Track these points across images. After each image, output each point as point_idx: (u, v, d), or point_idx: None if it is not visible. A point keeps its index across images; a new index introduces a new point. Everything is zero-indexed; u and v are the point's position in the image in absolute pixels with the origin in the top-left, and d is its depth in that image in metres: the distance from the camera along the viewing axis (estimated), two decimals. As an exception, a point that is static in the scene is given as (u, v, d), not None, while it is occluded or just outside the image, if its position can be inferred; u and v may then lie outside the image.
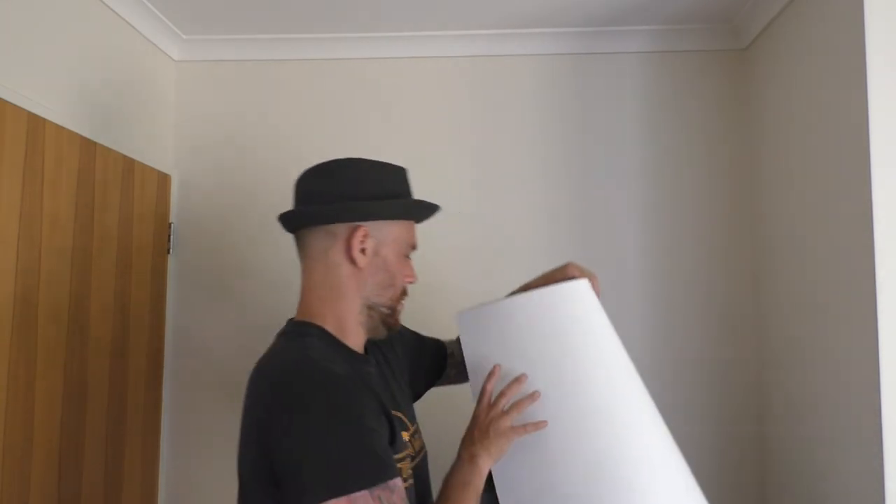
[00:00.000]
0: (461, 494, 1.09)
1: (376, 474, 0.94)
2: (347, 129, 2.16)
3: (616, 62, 2.12)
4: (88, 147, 1.72)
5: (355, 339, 1.15)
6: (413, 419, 1.24)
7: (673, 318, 2.05)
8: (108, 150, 1.80)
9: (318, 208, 1.14)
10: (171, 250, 2.11)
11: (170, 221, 2.11)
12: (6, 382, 1.42)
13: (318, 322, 1.13)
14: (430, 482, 1.24)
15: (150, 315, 2.00)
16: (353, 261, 1.11)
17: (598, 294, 1.27)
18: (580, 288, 1.22)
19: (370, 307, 1.14)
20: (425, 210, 1.21)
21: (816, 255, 1.66)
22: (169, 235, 2.10)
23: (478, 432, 1.12)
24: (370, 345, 1.22)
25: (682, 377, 2.04)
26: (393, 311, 1.17)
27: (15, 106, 1.46)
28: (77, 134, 1.67)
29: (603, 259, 2.09)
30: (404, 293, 1.19)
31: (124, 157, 1.87)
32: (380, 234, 1.13)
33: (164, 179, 2.09)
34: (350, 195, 1.13)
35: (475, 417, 1.14)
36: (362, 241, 1.11)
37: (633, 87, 2.12)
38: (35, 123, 1.52)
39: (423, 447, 1.24)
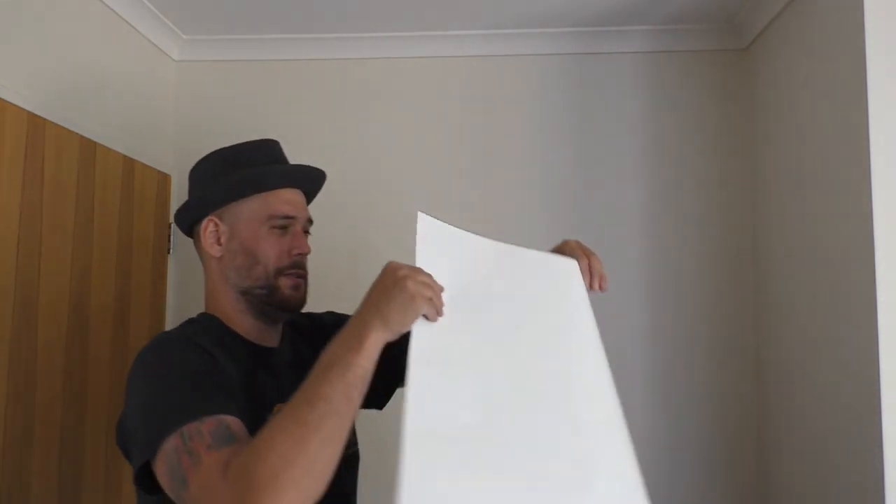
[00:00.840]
0: (324, 377, 0.82)
1: (182, 413, 0.85)
2: (347, 128, 2.16)
3: (616, 62, 2.12)
4: (88, 147, 1.72)
5: (251, 329, 1.11)
6: None
7: (672, 317, 2.05)
8: (108, 150, 1.80)
9: (176, 217, 1.15)
10: (171, 250, 2.11)
11: (170, 221, 2.11)
12: (6, 382, 1.42)
13: (213, 313, 1.13)
14: (356, 490, 1.14)
15: (150, 315, 2.00)
16: (210, 254, 1.11)
17: (597, 275, 1.20)
18: (566, 266, 1.14)
19: (244, 293, 1.09)
20: (260, 177, 1.09)
21: (816, 255, 1.66)
22: (169, 235, 2.10)
23: (380, 289, 0.87)
24: (297, 336, 1.17)
25: (682, 377, 2.04)
26: (272, 290, 1.07)
27: (15, 106, 1.46)
28: (77, 134, 1.67)
29: (602, 257, 2.08)
30: (292, 267, 1.08)
31: (124, 157, 1.87)
32: (231, 219, 1.10)
33: (164, 179, 2.09)
34: (199, 194, 1.12)
35: (382, 274, 0.89)
36: (214, 232, 1.10)
37: (633, 87, 2.12)
38: (35, 123, 1.52)
39: (347, 451, 1.07)
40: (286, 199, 1.12)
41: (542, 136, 2.12)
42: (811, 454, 1.68)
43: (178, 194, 2.15)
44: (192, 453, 0.82)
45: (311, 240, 1.96)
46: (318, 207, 2.11)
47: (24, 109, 1.48)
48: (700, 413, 2.02)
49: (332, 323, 1.21)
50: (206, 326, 1.09)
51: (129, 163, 1.89)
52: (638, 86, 2.12)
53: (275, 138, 2.20)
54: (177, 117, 2.18)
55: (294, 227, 1.11)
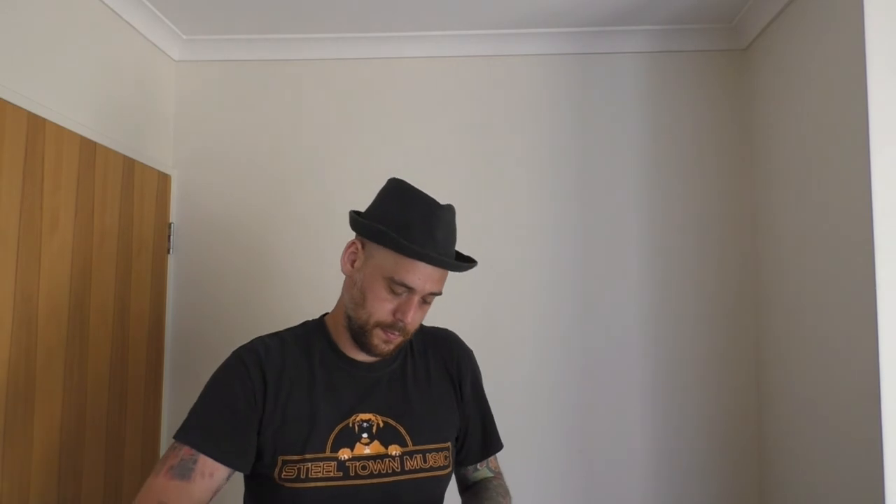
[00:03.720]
0: None
1: (187, 430, 1.12)
2: (347, 129, 2.16)
3: (616, 62, 2.12)
4: (88, 147, 1.72)
5: (347, 344, 1.21)
6: (403, 441, 1.17)
7: (672, 317, 2.05)
8: (108, 150, 1.80)
9: (350, 214, 1.23)
10: (171, 250, 2.11)
11: (170, 221, 2.12)
12: (6, 382, 1.42)
13: (328, 319, 1.25)
14: None
15: (150, 315, 2.00)
16: (344, 268, 1.20)
17: None
18: None
19: (349, 317, 1.18)
20: (399, 245, 1.10)
21: (816, 255, 1.66)
22: (169, 235, 2.10)
23: None
24: (420, 352, 1.27)
25: (682, 378, 2.04)
26: (364, 334, 1.15)
27: (15, 106, 1.46)
28: (77, 134, 1.67)
29: (602, 257, 2.09)
30: (391, 327, 1.13)
31: (124, 157, 1.87)
32: (369, 253, 1.16)
33: (164, 179, 2.09)
34: (369, 210, 1.20)
35: None
36: (353, 253, 1.18)
37: (633, 87, 2.12)
38: (35, 123, 1.52)
39: (394, 470, 1.15)
40: (417, 271, 1.12)
41: (543, 136, 2.12)
42: (811, 455, 1.68)
43: (178, 194, 2.15)
44: (162, 462, 1.10)
45: (313, 244, 2.02)
46: (320, 209, 2.12)
47: (24, 109, 1.48)
48: (700, 415, 2.02)
49: (466, 379, 1.30)
50: (306, 334, 1.23)
51: (129, 163, 1.89)
52: (638, 86, 2.12)
53: (274, 137, 2.21)
54: (177, 117, 2.18)
55: (410, 295, 1.14)
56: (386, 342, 1.15)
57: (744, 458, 2.00)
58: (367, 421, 1.16)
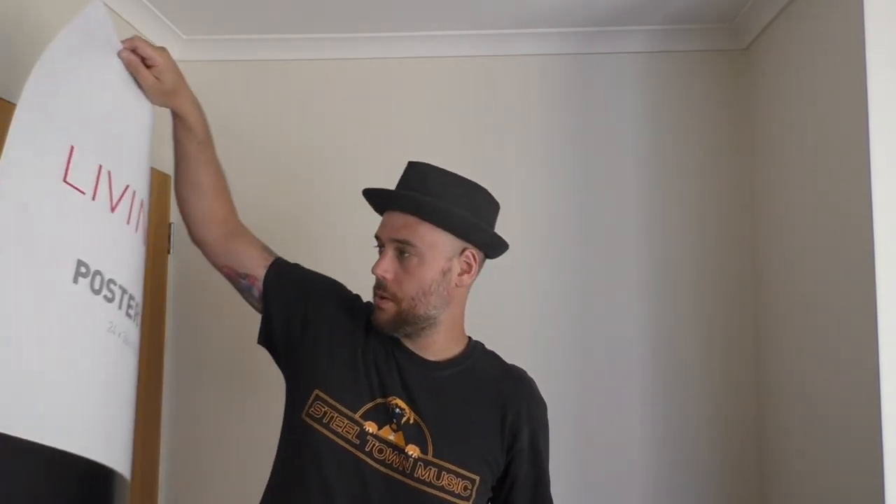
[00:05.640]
0: None
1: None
2: (347, 129, 2.16)
3: (616, 62, 2.12)
4: (88, 147, 1.71)
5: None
6: (425, 446, 1.14)
7: (672, 317, 2.05)
8: (108, 150, 1.80)
9: None
10: (171, 250, 2.11)
11: (170, 221, 2.12)
12: (6, 382, 1.42)
13: None
14: None
15: (150, 315, 1.99)
16: None
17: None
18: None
19: None
20: (370, 199, 1.26)
21: (817, 255, 1.66)
22: (169, 235, 2.10)
23: None
24: (478, 374, 1.23)
25: (682, 378, 2.04)
26: None
27: (15, 105, 1.46)
28: (77, 134, 1.66)
29: (601, 258, 2.09)
30: (376, 287, 1.19)
31: (124, 157, 1.87)
32: None
33: (164, 179, 2.09)
34: None
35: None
36: None
37: (633, 87, 2.11)
38: (35, 123, 1.52)
39: (404, 470, 1.12)
40: (381, 221, 1.22)
41: (542, 137, 2.12)
42: (811, 456, 1.68)
43: (178, 194, 2.15)
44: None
45: (313, 244, 2.01)
46: (319, 208, 2.12)
47: (23, 109, 1.48)
48: (700, 415, 2.02)
49: (524, 429, 1.23)
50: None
51: (129, 163, 1.89)
52: (638, 86, 2.12)
53: (274, 138, 2.20)
54: (177, 117, 2.18)
55: (385, 249, 1.18)
56: (378, 308, 1.17)
57: (744, 458, 2.00)
58: (403, 410, 1.15)
